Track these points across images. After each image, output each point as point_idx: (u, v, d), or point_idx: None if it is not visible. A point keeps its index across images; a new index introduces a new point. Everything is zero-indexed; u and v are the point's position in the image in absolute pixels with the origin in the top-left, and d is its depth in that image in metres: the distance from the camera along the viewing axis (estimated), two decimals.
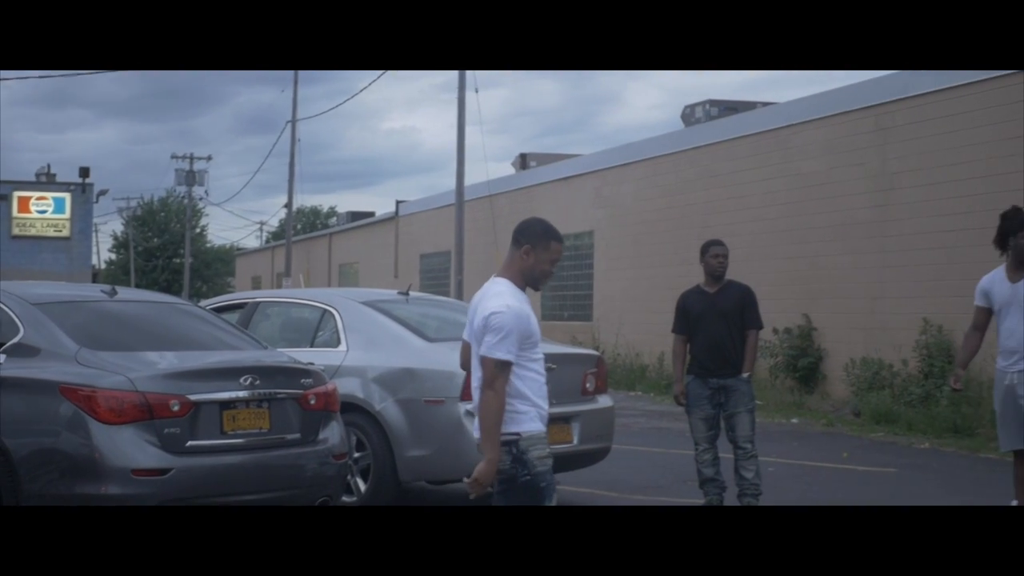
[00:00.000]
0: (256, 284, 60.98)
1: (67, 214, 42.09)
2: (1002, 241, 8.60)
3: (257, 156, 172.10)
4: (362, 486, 9.76)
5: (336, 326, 10.30)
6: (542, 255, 5.59)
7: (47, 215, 42.03)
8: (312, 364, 8.47)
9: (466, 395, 9.28)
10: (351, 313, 10.37)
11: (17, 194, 41.38)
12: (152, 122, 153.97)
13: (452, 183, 30.72)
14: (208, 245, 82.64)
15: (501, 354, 5.41)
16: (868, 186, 18.68)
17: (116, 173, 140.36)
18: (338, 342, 10.20)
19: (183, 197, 72.16)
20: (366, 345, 10.06)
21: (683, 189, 24.04)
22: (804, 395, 19.41)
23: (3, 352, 7.64)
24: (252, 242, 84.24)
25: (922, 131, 17.62)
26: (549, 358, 6.07)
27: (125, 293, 8.85)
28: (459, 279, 30.00)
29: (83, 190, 42.82)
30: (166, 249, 78.41)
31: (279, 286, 47.67)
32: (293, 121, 45.91)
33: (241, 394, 7.64)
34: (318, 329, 10.47)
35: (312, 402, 8.07)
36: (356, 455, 9.66)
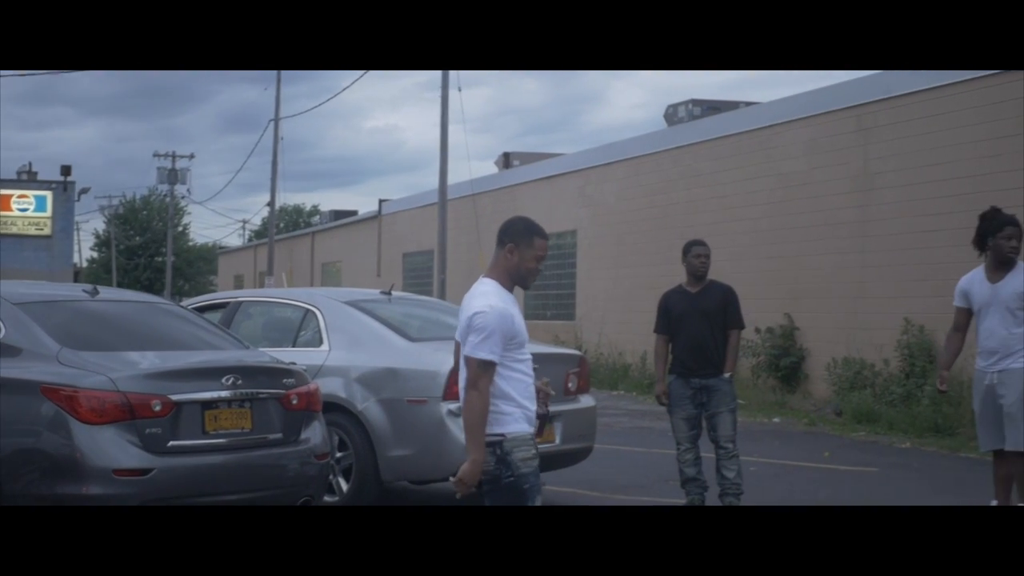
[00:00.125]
0: (238, 283, 60.87)
1: (48, 212, 41.98)
2: (981, 242, 8.64)
3: (240, 154, 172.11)
4: (344, 486, 9.76)
5: (318, 326, 10.30)
6: (526, 252, 5.58)
7: (28, 213, 41.92)
8: (294, 364, 8.47)
9: (450, 395, 9.30)
10: (333, 313, 10.36)
11: None
12: (134, 120, 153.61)
13: (435, 182, 30.74)
14: (190, 244, 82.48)
15: (484, 354, 5.41)
16: (850, 186, 18.73)
17: (98, 171, 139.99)
18: (320, 342, 10.20)
19: (165, 195, 71.93)
20: (348, 345, 10.06)
21: (666, 189, 24.07)
22: (786, 394, 19.46)
23: None
24: (234, 241, 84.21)
25: (904, 131, 17.68)
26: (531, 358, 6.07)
27: (107, 293, 8.83)
28: (442, 278, 30.00)
29: (65, 188, 42.71)
30: (148, 247, 78.19)
31: (262, 285, 47.60)
32: (276, 120, 45.83)
33: (223, 394, 7.63)
34: (300, 329, 10.47)
35: (294, 402, 8.06)
36: (338, 455, 9.66)
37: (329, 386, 9.51)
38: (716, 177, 22.37)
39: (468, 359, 5.46)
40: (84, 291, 8.59)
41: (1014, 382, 8.40)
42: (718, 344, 9.44)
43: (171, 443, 7.34)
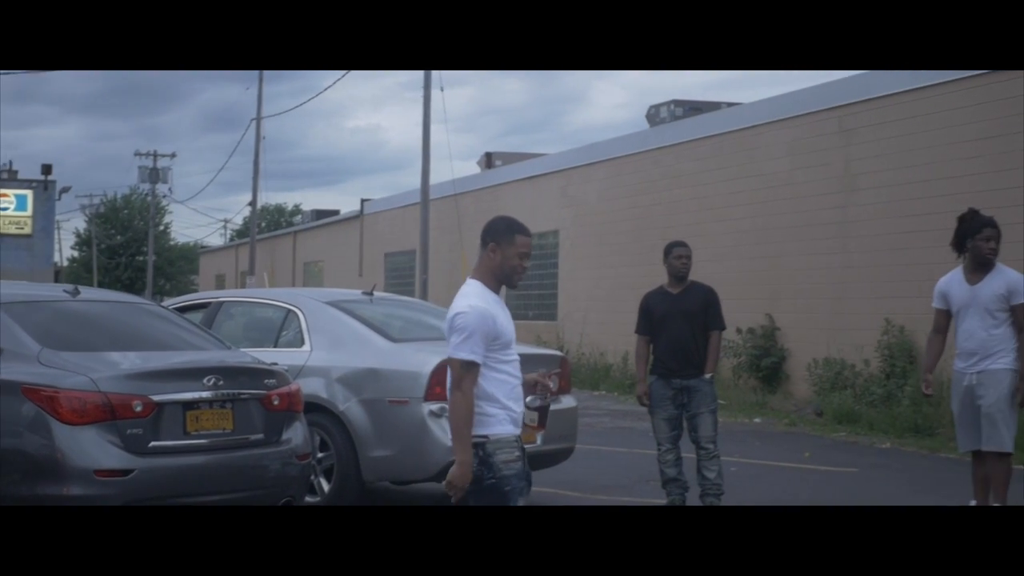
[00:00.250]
0: (220, 282, 60.74)
1: (29, 211, 41.83)
2: (959, 244, 8.68)
3: (221, 153, 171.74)
4: (325, 486, 9.75)
5: (300, 326, 10.30)
6: (508, 250, 5.57)
7: (8, 212, 41.75)
8: (276, 364, 8.47)
9: (432, 395, 9.32)
10: (315, 313, 10.36)
11: None
12: (116, 119, 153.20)
13: (417, 181, 30.73)
14: (172, 243, 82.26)
15: (465, 354, 5.41)
16: (831, 187, 18.79)
17: (79, 170, 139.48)
18: (302, 342, 10.20)
19: (146, 194, 71.79)
20: (330, 345, 10.06)
21: (647, 189, 24.11)
22: (767, 395, 19.51)
23: None
24: (216, 240, 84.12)
25: (885, 132, 17.75)
26: None
27: (88, 293, 8.81)
28: (424, 278, 29.99)
29: (45, 187, 42.56)
30: (129, 247, 77.97)
31: (243, 284, 47.51)
32: (258, 119, 45.75)
33: (205, 395, 7.63)
34: (282, 329, 10.46)
35: (276, 403, 8.06)
36: (320, 455, 9.66)
37: (311, 386, 9.51)
38: (698, 178, 22.42)
39: (451, 360, 5.47)
40: (65, 291, 8.57)
41: (993, 383, 8.45)
42: (699, 345, 9.47)
43: (152, 444, 7.33)
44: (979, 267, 8.58)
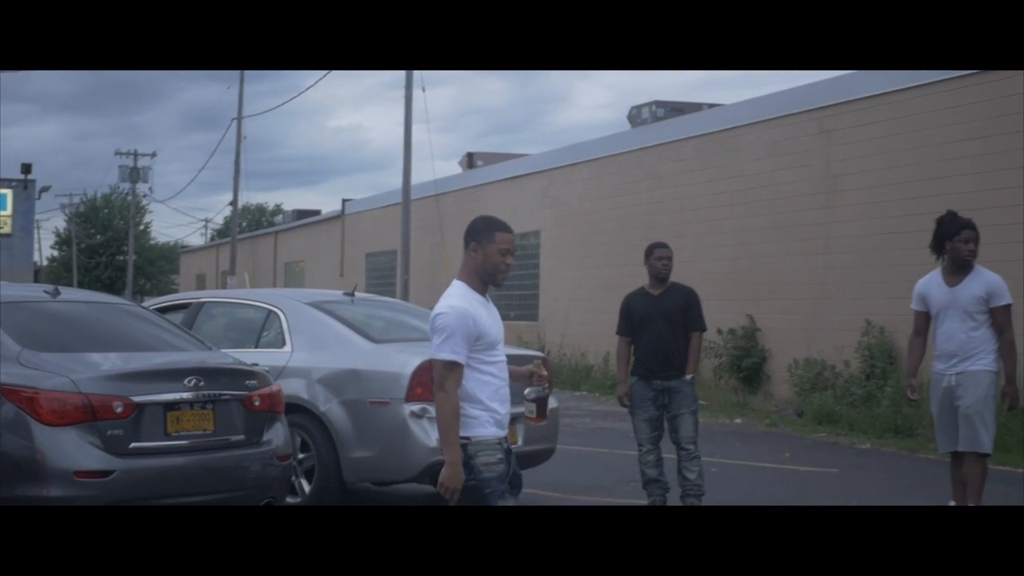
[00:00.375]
0: (201, 282, 60.60)
1: (8, 211, 41.63)
2: (938, 246, 8.71)
3: (202, 153, 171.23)
4: (306, 487, 9.74)
5: (281, 327, 10.29)
6: (489, 248, 5.57)
7: None
8: (257, 365, 8.46)
9: (413, 396, 9.32)
10: (296, 314, 10.35)
11: None
12: (96, 117, 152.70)
13: (399, 181, 30.72)
14: (152, 242, 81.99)
15: (445, 355, 5.42)
16: (812, 188, 18.85)
17: (59, 169, 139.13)
18: (283, 343, 10.19)
19: (127, 194, 71.47)
20: (311, 346, 10.06)
21: (629, 190, 24.14)
22: (747, 395, 19.56)
23: None
24: (197, 240, 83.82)
25: (865, 134, 17.81)
26: None
27: (68, 293, 8.78)
28: (405, 278, 29.99)
29: (25, 186, 42.37)
30: (109, 246, 77.70)
31: (224, 284, 47.40)
32: (239, 118, 45.68)
33: (185, 395, 7.61)
34: (263, 330, 10.46)
35: (257, 403, 8.05)
36: (300, 456, 9.65)
37: (291, 387, 9.51)
38: (679, 178, 22.46)
39: (433, 361, 5.47)
40: (45, 292, 8.54)
41: (972, 384, 8.49)
42: (680, 346, 9.48)
43: (133, 445, 7.31)
44: (958, 269, 8.62)
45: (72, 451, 7.10)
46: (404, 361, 9.46)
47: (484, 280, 5.60)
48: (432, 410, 9.18)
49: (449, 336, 5.40)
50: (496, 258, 5.56)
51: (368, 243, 38.67)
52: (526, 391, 5.88)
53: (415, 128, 32.54)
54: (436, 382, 5.46)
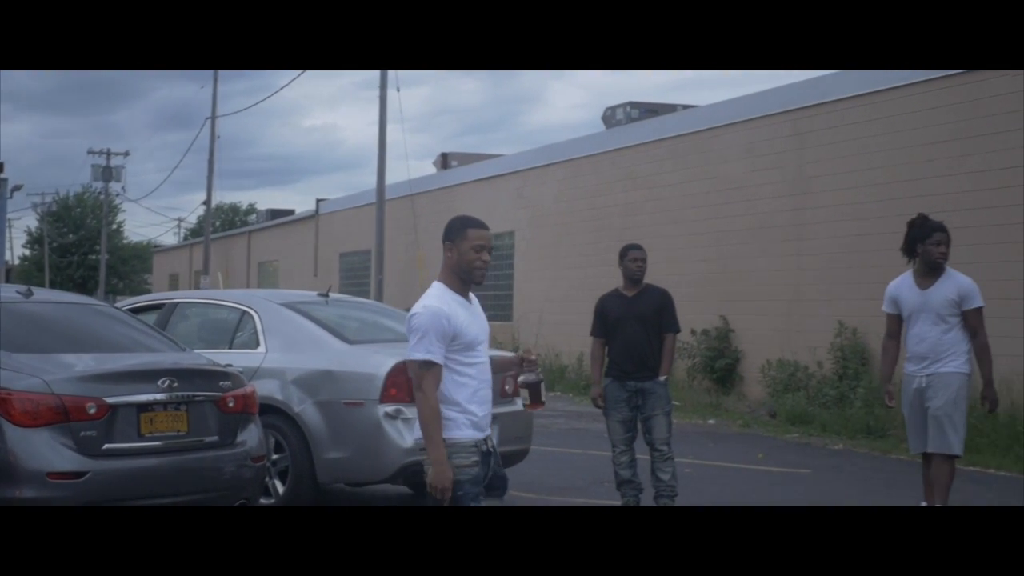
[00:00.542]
0: (174, 281, 60.39)
1: None
2: (910, 249, 8.76)
3: (176, 152, 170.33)
4: (280, 488, 9.73)
5: (255, 327, 10.28)
6: (462, 245, 5.57)
7: None
8: (230, 366, 8.44)
9: (387, 397, 9.32)
10: (270, 314, 10.34)
11: None
12: (69, 116, 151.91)
13: (373, 181, 30.69)
14: (125, 242, 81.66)
15: (420, 354, 5.43)
16: (785, 190, 18.93)
17: (31, 168, 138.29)
18: (257, 344, 10.18)
19: (99, 193, 71.20)
20: (285, 347, 10.05)
21: (603, 191, 24.19)
22: (721, 396, 19.62)
23: None
24: (170, 239, 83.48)
25: (838, 136, 17.89)
26: None
27: (41, 294, 8.75)
28: (379, 278, 29.95)
29: None
30: (81, 245, 77.36)
31: (197, 284, 47.25)
32: (212, 118, 45.54)
33: (159, 396, 7.60)
34: (237, 330, 10.44)
35: (231, 405, 8.04)
36: (274, 457, 9.64)
37: (266, 388, 9.49)
38: (654, 180, 22.51)
39: (409, 362, 5.48)
40: (18, 292, 8.50)
41: (943, 386, 8.55)
42: (654, 348, 9.51)
43: (106, 446, 7.29)
44: (930, 272, 8.67)
45: (45, 452, 7.07)
46: (378, 362, 9.46)
47: (463, 279, 5.61)
48: (406, 411, 9.25)
49: (423, 336, 5.41)
50: (470, 255, 5.56)
51: (342, 243, 38.62)
52: (520, 379, 5.88)
53: (389, 128, 32.51)
54: (414, 382, 5.47)
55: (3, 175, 42.48)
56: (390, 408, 9.29)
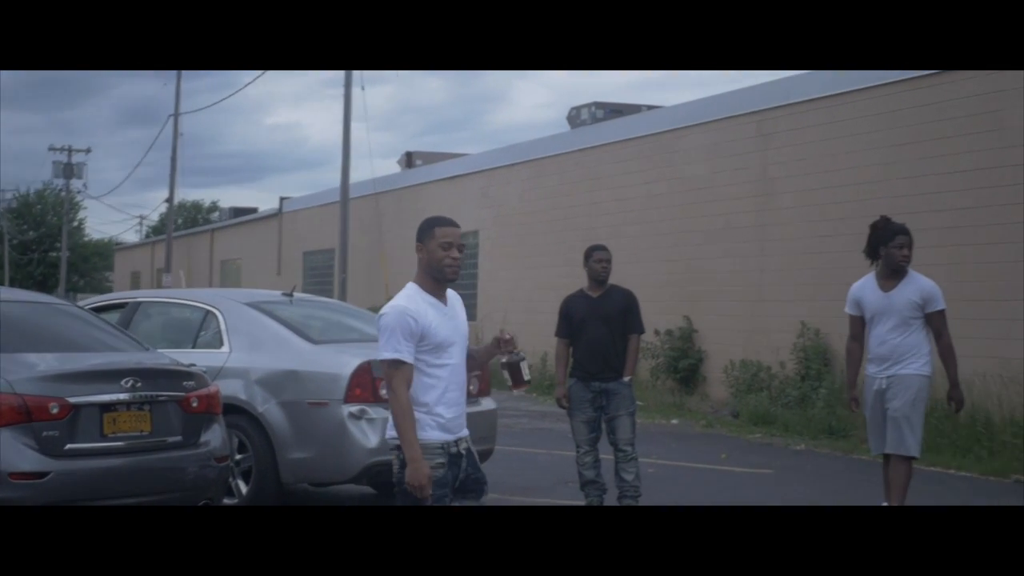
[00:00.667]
0: (135, 280, 60.04)
1: None
2: (872, 251, 8.82)
3: (138, 149, 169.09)
4: (243, 488, 9.71)
5: (219, 327, 10.24)
6: (430, 244, 5.59)
7: None
8: (194, 366, 8.42)
9: (351, 397, 9.32)
10: (234, 314, 10.31)
11: None
12: (29, 112, 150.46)
13: (337, 179, 30.65)
14: (86, 239, 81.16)
15: (388, 353, 5.44)
16: (749, 191, 19.00)
17: None
18: (221, 343, 10.15)
19: (60, 190, 70.77)
20: (249, 346, 10.02)
21: (568, 191, 24.22)
22: (684, 396, 19.68)
23: None
24: (131, 237, 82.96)
25: (802, 137, 17.99)
26: None
27: (3, 293, 8.70)
28: (343, 277, 29.90)
29: None
30: (42, 242, 76.80)
31: (159, 282, 47.00)
32: (175, 115, 45.33)
33: (122, 396, 7.57)
34: (200, 330, 10.40)
35: (194, 405, 8.02)
36: (238, 457, 9.62)
37: (229, 388, 9.47)
38: (618, 180, 22.55)
39: (379, 362, 5.51)
40: None
41: (902, 388, 8.62)
42: (618, 348, 9.55)
43: (69, 446, 7.26)
44: (892, 274, 8.73)
45: (7, 453, 7.04)
46: (343, 362, 9.46)
47: (435, 278, 5.62)
48: (371, 412, 9.28)
49: (390, 335, 5.44)
50: (438, 253, 5.57)
51: (306, 242, 38.50)
52: (501, 361, 5.87)
53: (354, 126, 32.44)
54: (385, 382, 5.51)
55: None
56: (354, 408, 9.29)
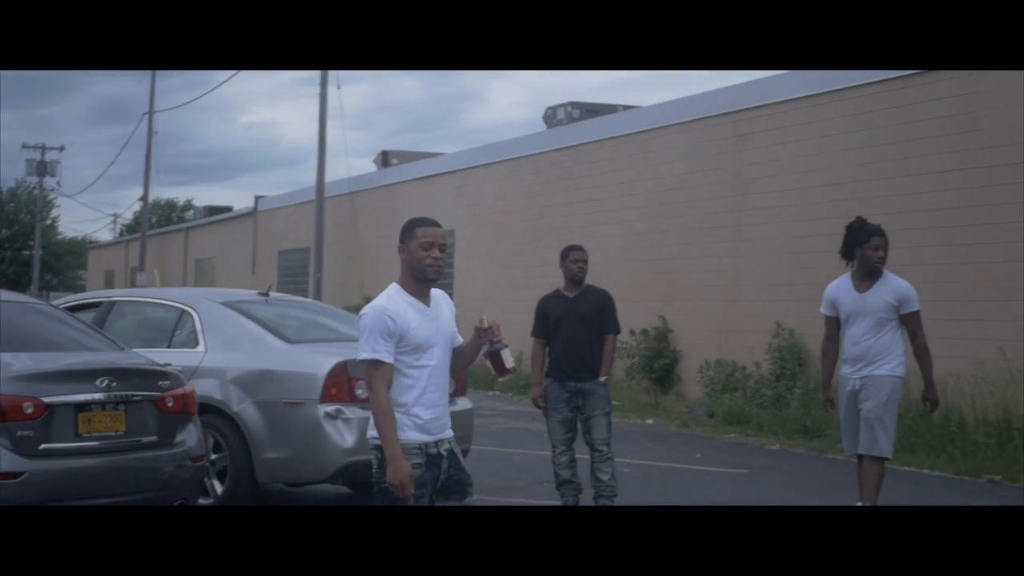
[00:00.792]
0: (109, 278, 59.80)
1: None
2: (848, 252, 8.86)
3: (113, 147, 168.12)
4: (219, 488, 9.68)
5: (194, 326, 10.21)
6: (412, 244, 5.59)
7: None
8: (169, 365, 8.39)
9: (327, 397, 9.30)
10: (209, 313, 10.28)
11: None
12: (1, 110, 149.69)
13: (312, 178, 30.61)
14: (59, 237, 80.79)
15: (366, 353, 5.46)
16: (725, 191, 19.05)
17: None
18: (196, 343, 10.11)
19: (34, 188, 70.41)
20: (225, 346, 9.99)
21: (544, 190, 24.23)
22: (660, 396, 19.72)
23: None
24: (105, 235, 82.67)
25: (777, 138, 18.03)
26: None
27: None
28: (318, 276, 29.84)
29: None
30: (15, 241, 76.39)
31: (133, 281, 46.83)
32: (150, 113, 45.16)
33: (97, 396, 7.54)
34: (176, 329, 10.36)
35: (170, 404, 8.00)
36: (213, 457, 9.58)
37: (205, 388, 9.43)
38: (594, 180, 22.58)
39: (360, 362, 5.51)
40: None
41: (875, 389, 8.66)
42: (594, 348, 9.56)
43: (43, 446, 7.23)
44: (868, 275, 8.77)
45: None
46: (319, 362, 9.44)
47: (417, 279, 5.61)
48: (347, 411, 9.27)
49: (369, 335, 5.45)
50: (419, 252, 5.57)
51: (281, 240, 38.42)
52: (483, 351, 5.85)
53: (329, 125, 32.40)
54: (365, 382, 5.52)
55: None
56: (330, 408, 9.28)
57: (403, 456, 5.40)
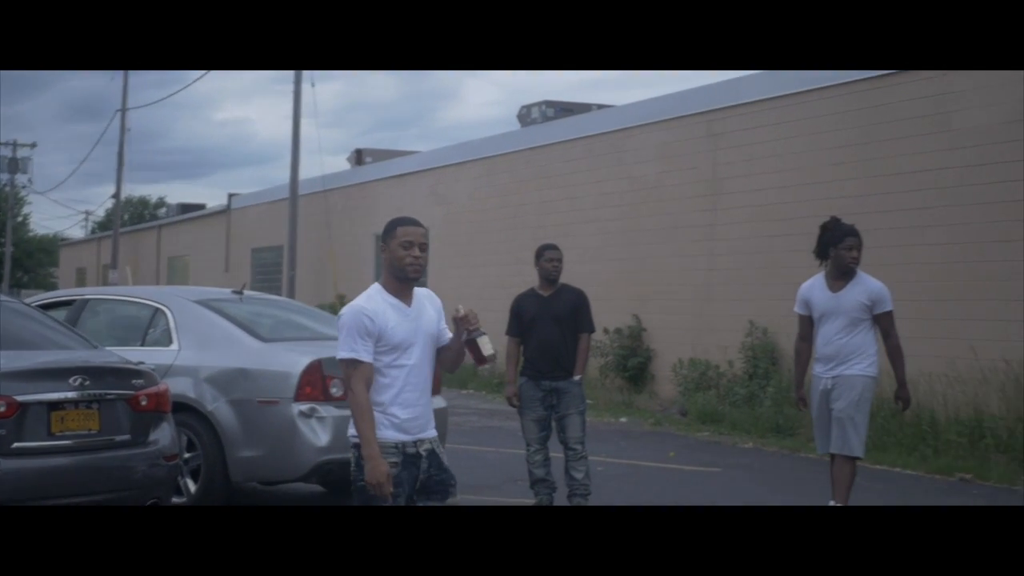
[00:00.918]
0: (81, 276, 59.49)
1: None
2: (822, 252, 8.90)
3: (85, 143, 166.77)
4: (192, 487, 9.65)
5: (168, 325, 10.18)
6: (391, 243, 5.60)
7: None
8: (143, 364, 8.36)
9: (301, 395, 9.29)
10: (183, 312, 10.25)
11: None
12: None
13: (286, 175, 30.53)
14: (31, 234, 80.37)
15: (343, 352, 5.48)
16: (698, 190, 19.09)
17: None
18: (170, 341, 10.08)
19: (5, 185, 70.00)
20: (198, 344, 9.96)
21: (518, 189, 24.24)
22: (633, 394, 19.75)
23: None
24: (77, 232, 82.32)
25: (751, 138, 18.08)
26: None
27: None
28: (292, 274, 29.77)
29: None
30: None
31: (106, 278, 46.61)
32: (123, 111, 44.93)
33: (70, 395, 7.51)
34: (149, 328, 10.32)
35: (143, 403, 7.97)
36: (187, 455, 9.56)
37: (178, 386, 9.41)
38: (568, 179, 22.60)
39: (339, 361, 5.53)
40: None
41: (847, 388, 8.70)
42: (569, 347, 9.58)
43: (16, 445, 7.20)
44: (841, 275, 8.80)
45: None
46: (293, 360, 9.43)
47: (398, 278, 5.63)
48: (321, 410, 9.28)
49: (346, 334, 5.47)
50: (399, 252, 5.58)
51: (254, 238, 38.29)
52: (461, 340, 5.86)
53: (303, 122, 32.33)
54: (344, 381, 5.53)
55: None
56: (304, 407, 9.27)
57: (381, 455, 5.41)
